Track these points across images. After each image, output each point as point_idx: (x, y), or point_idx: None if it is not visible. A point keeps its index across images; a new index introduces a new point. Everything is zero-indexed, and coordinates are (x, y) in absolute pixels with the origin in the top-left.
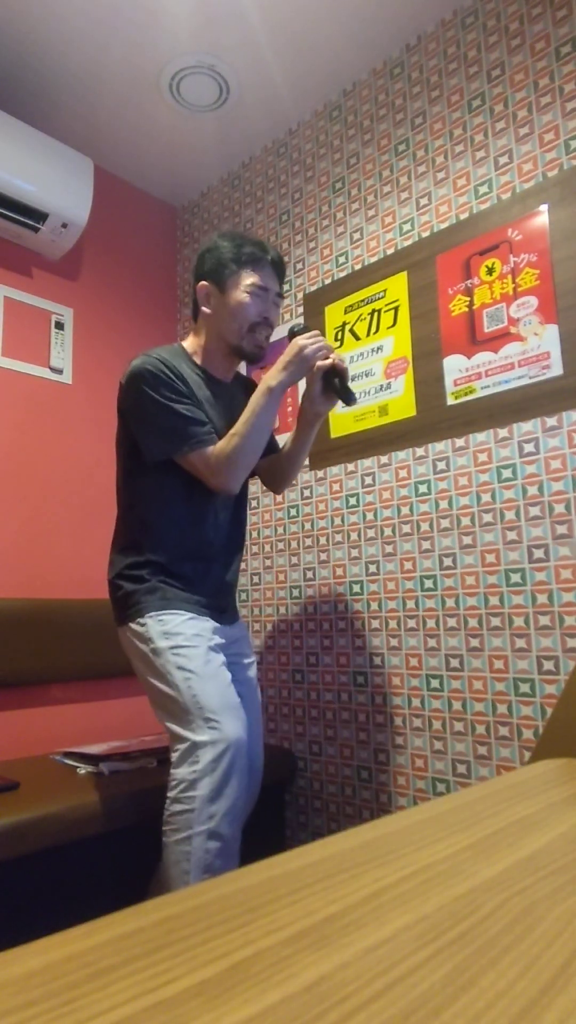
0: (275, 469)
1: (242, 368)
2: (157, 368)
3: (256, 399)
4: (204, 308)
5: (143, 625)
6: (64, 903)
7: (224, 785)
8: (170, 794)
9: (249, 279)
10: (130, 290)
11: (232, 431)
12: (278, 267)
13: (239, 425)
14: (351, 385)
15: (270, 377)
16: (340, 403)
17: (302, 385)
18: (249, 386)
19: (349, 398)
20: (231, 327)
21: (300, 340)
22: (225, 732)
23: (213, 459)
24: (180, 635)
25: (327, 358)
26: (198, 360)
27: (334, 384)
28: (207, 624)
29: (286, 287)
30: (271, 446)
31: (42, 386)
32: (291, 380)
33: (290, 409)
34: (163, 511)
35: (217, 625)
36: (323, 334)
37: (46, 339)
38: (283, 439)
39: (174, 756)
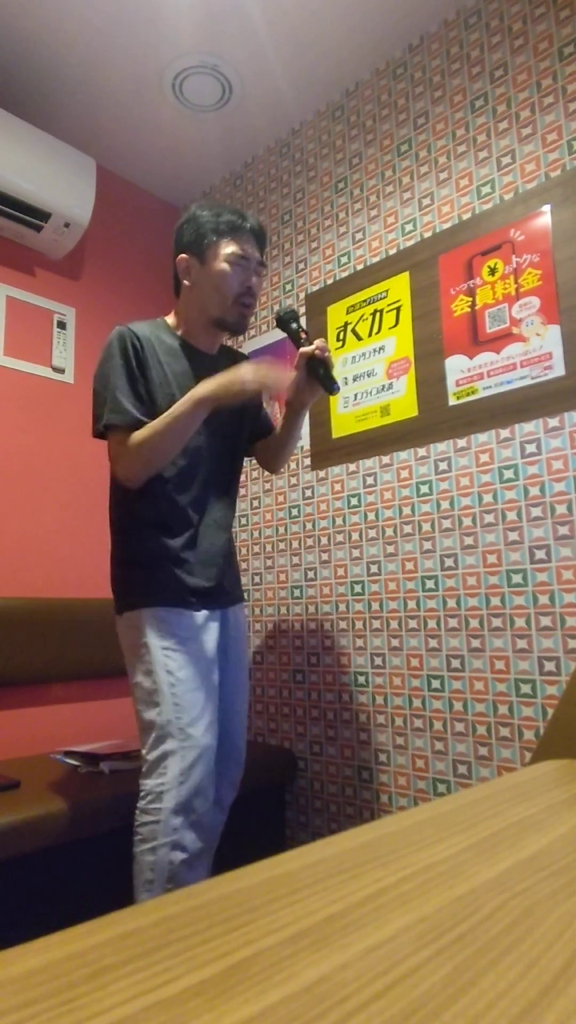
0: (268, 449)
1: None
2: (125, 336)
3: (181, 404)
4: (184, 281)
5: (139, 616)
6: (64, 902)
7: (192, 797)
8: (139, 804)
9: (229, 248)
10: (132, 290)
11: (149, 424)
12: (258, 235)
13: (156, 421)
14: (335, 373)
15: (202, 388)
16: (323, 390)
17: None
18: (237, 357)
19: (332, 387)
20: (213, 299)
21: (245, 368)
22: (195, 740)
23: (123, 446)
24: (174, 636)
25: (273, 396)
26: (180, 332)
27: (317, 372)
28: (201, 617)
29: (288, 287)
30: (266, 427)
31: (44, 385)
32: (217, 401)
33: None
34: (146, 488)
35: (213, 612)
36: (304, 328)
37: (48, 339)
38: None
39: (144, 763)
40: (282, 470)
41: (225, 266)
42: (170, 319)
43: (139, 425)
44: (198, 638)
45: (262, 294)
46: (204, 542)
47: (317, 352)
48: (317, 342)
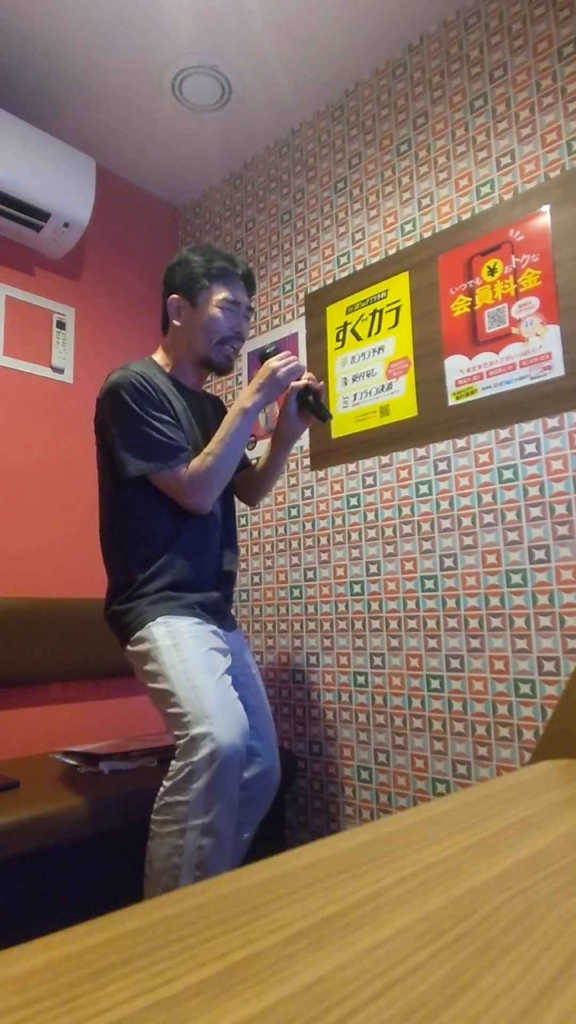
0: (249, 484)
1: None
2: (138, 382)
3: (230, 419)
4: (175, 321)
5: (146, 630)
6: (64, 902)
7: (219, 782)
8: (166, 783)
9: (220, 294)
10: (132, 290)
11: (206, 451)
12: (248, 281)
13: (213, 444)
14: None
15: (244, 399)
16: (316, 420)
17: None
18: (217, 404)
19: (324, 415)
20: (201, 339)
21: (272, 362)
22: (217, 733)
23: (187, 478)
24: (182, 634)
25: (300, 378)
26: (168, 370)
27: (309, 402)
28: (209, 628)
29: (287, 287)
30: (243, 461)
31: (43, 385)
32: (265, 401)
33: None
34: (155, 520)
35: (219, 629)
36: (295, 356)
37: (48, 338)
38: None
39: (177, 750)
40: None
41: (216, 311)
42: (158, 357)
43: (189, 457)
44: (203, 635)
45: (260, 294)
46: (209, 558)
47: (309, 383)
48: (306, 375)
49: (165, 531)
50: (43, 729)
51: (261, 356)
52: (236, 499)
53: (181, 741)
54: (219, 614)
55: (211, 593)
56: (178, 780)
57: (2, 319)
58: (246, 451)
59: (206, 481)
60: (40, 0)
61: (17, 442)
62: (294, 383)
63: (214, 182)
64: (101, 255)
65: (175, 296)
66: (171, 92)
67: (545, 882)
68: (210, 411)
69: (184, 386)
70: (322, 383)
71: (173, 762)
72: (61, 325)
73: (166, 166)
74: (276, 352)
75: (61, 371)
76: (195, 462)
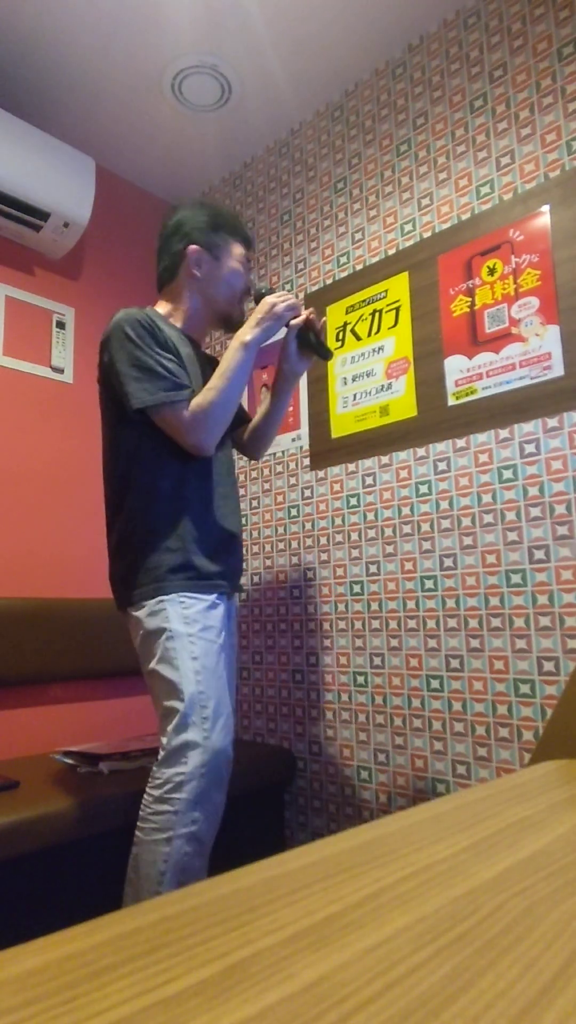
0: (252, 435)
1: None
2: (143, 318)
3: (230, 354)
4: (195, 271)
5: (161, 603)
6: (63, 902)
7: (209, 790)
8: (153, 792)
9: (239, 250)
10: (131, 289)
11: (207, 386)
12: (252, 241)
13: (214, 379)
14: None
15: (243, 333)
16: (316, 357)
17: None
18: (215, 364)
19: (325, 352)
20: (224, 294)
21: (270, 298)
22: (213, 740)
23: (189, 416)
24: (198, 623)
25: (298, 316)
26: (176, 323)
27: (309, 340)
28: (222, 612)
29: (287, 287)
30: (241, 416)
31: (43, 385)
32: (265, 336)
33: (265, 376)
34: (163, 469)
35: (228, 607)
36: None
37: (47, 338)
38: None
39: (162, 752)
40: (266, 456)
41: (238, 265)
42: (160, 309)
43: (191, 394)
44: (218, 624)
45: None
46: (219, 525)
47: (310, 319)
48: (305, 311)
49: (171, 477)
50: (43, 729)
51: (256, 295)
52: (237, 455)
53: (173, 743)
54: (233, 575)
55: (219, 566)
56: (166, 790)
57: (2, 319)
58: (243, 407)
59: (208, 418)
60: (40, 0)
61: (17, 442)
62: (293, 321)
63: (214, 182)
64: (101, 255)
65: (196, 247)
66: (171, 92)
67: (545, 882)
68: (209, 371)
69: (191, 338)
70: (324, 319)
71: (160, 769)
72: (61, 325)
73: (166, 166)
74: (271, 291)
75: (61, 371)
76: (196, 399)
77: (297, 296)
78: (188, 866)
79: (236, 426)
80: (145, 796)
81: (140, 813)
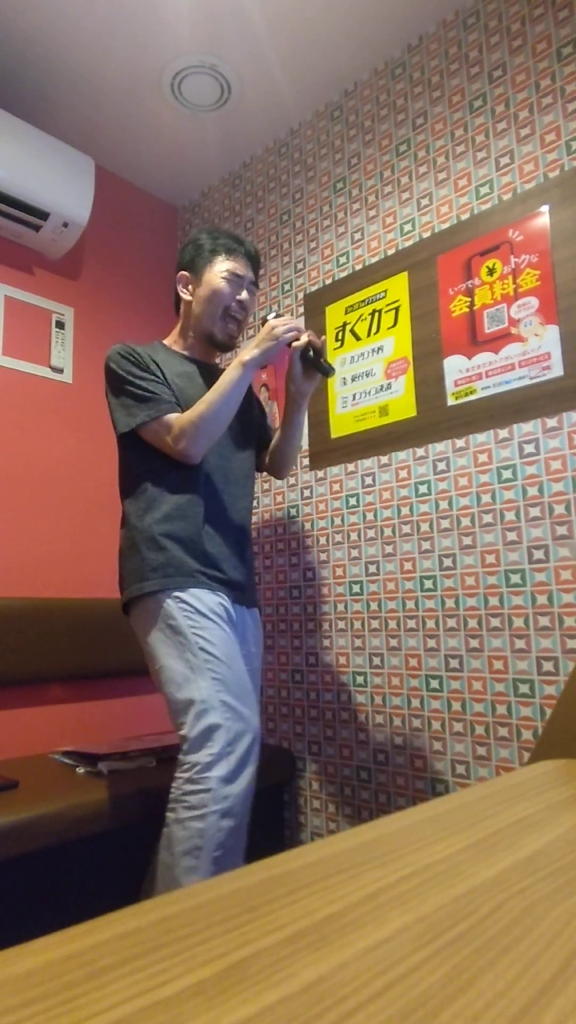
0: (272, 457)
1: None
2: (124, 349)
3: (228, 372)
4: (183, 294)
5: (162, 600)
6: (63, 902)
7: (240, 768)
8: (182, 775)
9: (223, 265)
10: (131, 289)
11: (201, 399)
12: (253, 258)
13: (209, 394)
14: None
15: (243, 353)
16: (321, 376)
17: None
18: None
19: (326, 370)
20: (206, 310)
21: (272, 320)
22: (243, 717)
23: (176, 425)
24: (200, 613)
25: (299, 338)
26: (178, 348)
27: (311, 359)
28: (225, 605)
29: (286, 287)
30: (268, 435)
31: (43, 385)
32: (263, 357)
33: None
34: (157, 480)
35: (230, 602)
36: (303, 325)
37: (47, 338)
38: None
39: (185, 743)
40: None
41: (219, 281)
42: (167, 339)
43: (176, 408)
44: (222, 613)
45: (260, 293)
46: (218, 531)
47: (311, 340)
48: (306, 333)
49: (165, 485)
50: (42, 729)
51: (263, 319)
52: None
53: (195, 731)
54: (235, 586)
55: (217, 572)
56: (196, 771)
57: (1, 319)
58: (268, 423)
59: (195, 429)
60: (40, 1)
61: (16, 442)
62: (295, 344)
63: (213, 182)
64: (100, 255)
65: (183, 272)
66: (170, 92)
67: (544, 882)
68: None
69: (194, 358)
70: (323, 338)
71: (186, 756)
72: (60, 325)
73: (165, 166)
74: (279, 316)
75: (60, 371)
76: (189, 411)
77: (296, 297)
78: (223, 843)
79: (263, 445)
80: (175, 781)
81: (170, 796)
